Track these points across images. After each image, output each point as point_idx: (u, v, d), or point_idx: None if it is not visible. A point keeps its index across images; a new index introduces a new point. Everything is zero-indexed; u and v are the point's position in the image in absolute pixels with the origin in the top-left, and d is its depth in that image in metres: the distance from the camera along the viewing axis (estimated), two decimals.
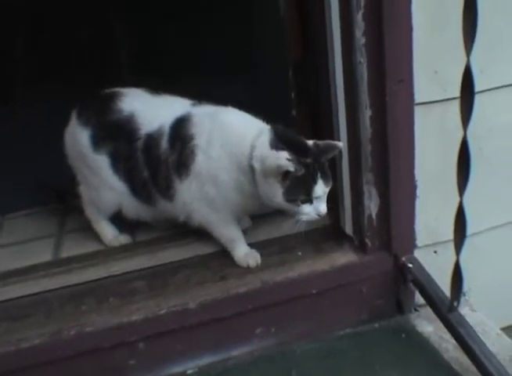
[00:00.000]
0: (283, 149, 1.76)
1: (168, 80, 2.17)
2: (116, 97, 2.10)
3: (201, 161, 1.93)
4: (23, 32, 4.70)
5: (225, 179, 1.92)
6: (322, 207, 1.80)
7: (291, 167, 1.71)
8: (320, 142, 1.81)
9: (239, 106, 2.00)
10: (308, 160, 1.75)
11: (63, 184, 2.30)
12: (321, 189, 1.77)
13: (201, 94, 2.08)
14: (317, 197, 1.78)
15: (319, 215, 1.81)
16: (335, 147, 1.83)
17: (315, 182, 1.76)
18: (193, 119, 1.97)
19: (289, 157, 1.72)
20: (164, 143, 1.99)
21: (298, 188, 1.76)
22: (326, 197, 1.81)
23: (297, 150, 1.76)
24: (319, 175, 1.76)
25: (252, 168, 1.82)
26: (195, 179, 1.96)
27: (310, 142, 1.81)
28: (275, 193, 1.78)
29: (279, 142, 1.79)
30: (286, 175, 1.74)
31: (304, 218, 1.81)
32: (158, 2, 4.05)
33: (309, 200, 1.78)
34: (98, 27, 4.76)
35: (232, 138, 1.90)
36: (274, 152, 1.76)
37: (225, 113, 1.98)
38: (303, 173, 1.74)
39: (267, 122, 1.93)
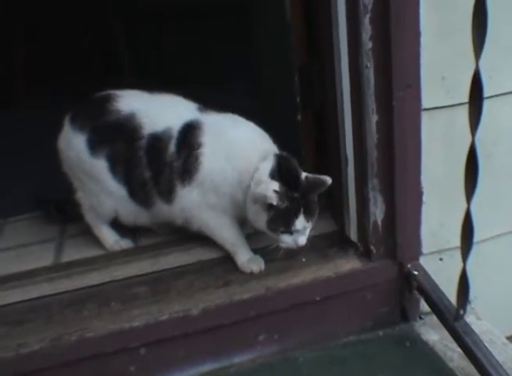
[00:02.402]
0: (278, 180, 1.80)
1: (171, 84, 2.16)
2: (111, 99, 2.08)
3: (205, 170, 1.94)
4: (25, 37, 4.72)
5: (225, 191, 1.94)
6: (301, 240, 1.85)
7: (274, 200, 1.76)
8: (310, 177, 1.85)
9: (244, 111, 2.01)
10: (295, 195, 1.80)
11: (63, 193, 2.27)
12: (301, 223, 1.82)
13: (204, 98, 2.07)
14: (297, 231, 1.82)
15: (296, 246, 1.86)
16: (323, 183, 1.84)
17: (296, 216, 1.81)
18: (203, 127, 1.97)
19: (277, 190, 1.77)
20: (172, 147, 1.98)
21: (279, 220, 1.82)
22: (307, 231, 1.86)
23: (289, 183, 1.81)
24: (301, 210, 1.81)
25: (249, 188, 1.85)
26: (197, 187, 1.97)
27: (303, 176, 1.85)
28: (259, 219, 1.85)
29: (277, 173, 1.83)
30: (270, 206, 1.78)
31: (282, 245, 1.86)
32: (160, 6, 4.05)
33: (289, 231, 1.82)
34: (99, 31, 4.77)
35: (239, 154, 1.92)
36: (268, 180, 1.81)
37: (235, 128, 1.99)
38: (286, 207, 1.79)
39: (273, 139, 1.99)
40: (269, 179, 1.81)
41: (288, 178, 1.82)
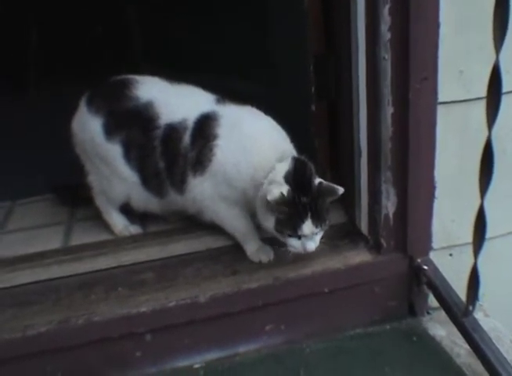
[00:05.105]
0: (289, 183, 1.78)
1: (186, 72, 2.15)
2: (130, 84, 2.07)
3: (219, 162, 1.93)
4: (37, 23, 4.71)
5: (237, 185, 1.93)
6: (309, 246, 1.81)
7: (272, 196, 1.73)
8: (324, 184, 1.81)
9: (260, 101, 2.00)
10: (304, 200, 1.76)
11: (73, 176, 2.27)
12: (308, 229, 1.77)
13: (219, 87, 2.06)
14: (305, 236, 1.79)
15: (304, 251, 1.82)
16: (335, 192, 1.81)
17: (303, 221, 1.76)
18: (220, 119, 1.95)
19: (284, 193, 1.73)
20: (187, 138, 1.97)
21: (286, 223, 1.78)
22: (317, 237, 1.82)
23: (300, 188, 1.78)
24: (308, 215, 1.76)
25: (262, 186, 1.84)
26: (209, 178, 1.96)
27: (316, 181, 1.81)
28: (267, 220, 1.82)
29: (292, 176, 1.80)
30: (272, 207, 1.76)
31: (290, 249, 1.83)
32: None
33: (297, 236, 1.79)
34: (112, 18, 4.76)
35: (257, 150, 1.89)
36: (281, 181, 1.78)
37: (254, 123, 1.98)
38: (292, 210, 1.76)
39: (287, 132, 1.97)
40: (282, 181, 1.78)
41: (301, 182, 1.79)
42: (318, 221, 1.78)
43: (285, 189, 1.75)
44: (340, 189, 1.80)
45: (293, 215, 1.76)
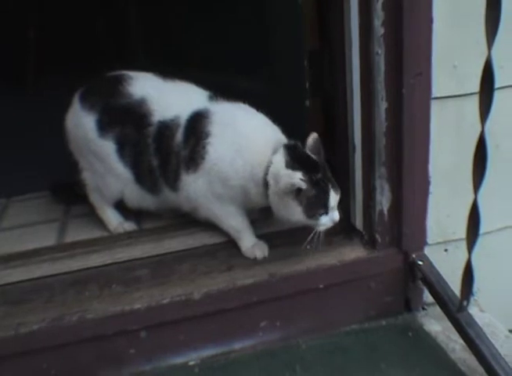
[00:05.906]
0: (297, 169, 1.78)
1: (183, 69, 2.14)
2: (124, 80, 2.07)
3: (212, 159, 1.92)
4: (37, 17, 4.70)
5: (235, 184, 1.92)
6: (336, 215, 1.84)
7: (303, 185, 1.74)
8: (312, 156, 1.84)
9: (254, 97, 2.00)
10: (319, 176, 1.79)
11: (69, 173, 2.26)
12: (334, 199, 1.82)
13: (215, 83, 2.05)
14: (332, 208, 1.81)
15: (333, 223, 1.84)
16: (316, 141, 1.85)
17: (328, 194, 1.80)
18: (212, 117, 1.95)
19: (302, 177, 1.75)
20: (179, 136, 1.97)
21: (316, 204, 1.79)
22: (336, 204, 1.85)
23: (309, 168, 1.79)
24: (329, 186, 1.80)
25: (266, 183, 1.83)
26: (202, 176, 1.95)
27: (315, 157, 1.83)
28: (294, 212, 1.81)
29: (293, 162, 1.80)
30: (298, 193, 1.76)
31: (321, 228, 1.83)
32: None
33: (326, 212, 1.80)
34: (112, 17, 4.76)
35: (252, 148, 1.89)
36: (289, 171, 1.78)
37: (246, 120, 1.97)
38: (316, 189, 1.78)
39: (281, 125, 1.97)
40: (289, 170, 1.78)
41: (306, 164, 1.80)
42: (336, 187, 1.82)
43: (299, 175, 1.75)
44: (313, 133, 1.85)
45: (318, 193, 1.78)
